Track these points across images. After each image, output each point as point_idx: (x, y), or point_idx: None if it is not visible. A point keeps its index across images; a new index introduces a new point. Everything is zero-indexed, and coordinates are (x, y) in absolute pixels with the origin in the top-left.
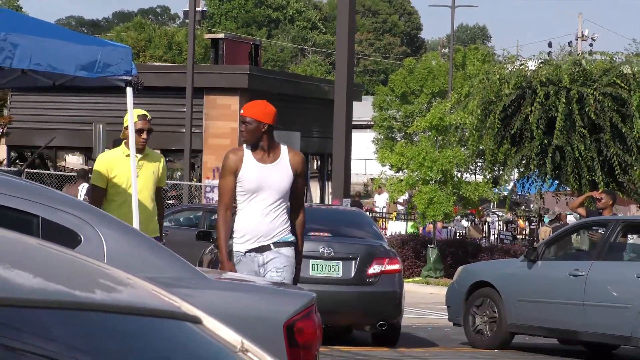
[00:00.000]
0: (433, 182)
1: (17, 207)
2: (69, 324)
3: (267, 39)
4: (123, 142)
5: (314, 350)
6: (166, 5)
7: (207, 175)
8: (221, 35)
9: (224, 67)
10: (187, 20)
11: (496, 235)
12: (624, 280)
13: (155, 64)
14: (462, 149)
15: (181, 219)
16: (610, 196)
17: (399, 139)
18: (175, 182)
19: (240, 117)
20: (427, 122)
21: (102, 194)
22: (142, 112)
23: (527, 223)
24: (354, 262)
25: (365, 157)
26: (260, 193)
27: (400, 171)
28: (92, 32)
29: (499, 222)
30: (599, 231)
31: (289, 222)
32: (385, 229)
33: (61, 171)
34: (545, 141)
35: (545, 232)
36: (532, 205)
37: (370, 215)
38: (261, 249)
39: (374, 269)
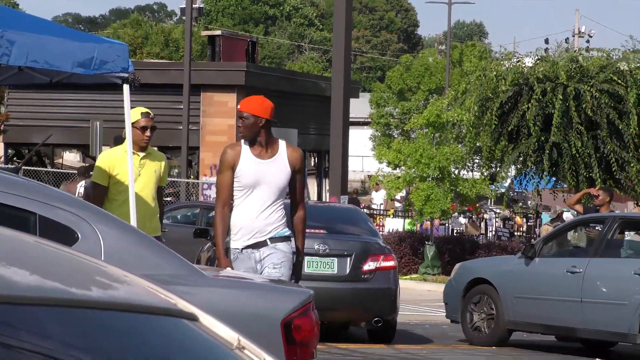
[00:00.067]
0: (430, 179)
1: (14, 205)
2: (65, 322)
3: (264, 36)
4: (125, 140)
5: (311, 348)
6: (163, 2)
7: (204, 172)
8: (218, 32)
9: (221, 64)
10: (184, 17)
11: (493, 232)
12: (621, 277)
13: (152, 61)
14: (460, 145)
15: (178, 217)
16: (608, 193)
17: (396, 135)
18: (173, 179)
19: (238, 113)
20: (424, 119)
21: (104, 192)
22: (144, 109)
23: (524, 220)
24: (349, 258)
25: (362, 154)
26: (258, 189)
27: (398, 168)
28: (89, 29)
29: (497, 219)
30: (596, 228)
31: (285, 218)
32: (383, 226)
33: (58, 168)
34: (543, 138)
35: (546, 230)
36: (529, 202)
37: (367, 212)
38: (257, 245)
39: (369, 265)
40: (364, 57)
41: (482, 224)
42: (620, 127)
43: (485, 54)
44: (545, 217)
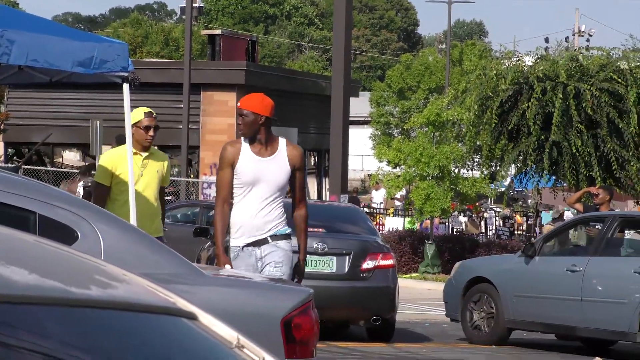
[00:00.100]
0: (430, 178)
1: (14, 204)
2: (64, 321)
3: (264, 35)
4: None
5: (311, 346)
6: (163, 2)
7: (204, 171)
8: (218, 32)
9: (221, 64)
10: (184, 17)
11: (493, 231)
12: (621, 276)
13: (152, 60)
14: (459, 144)
15: (178, 216)
16: (608, 192)
17: (396, 134)
18: (173, 178)
19: (238, 110)
20: (424, 118)
21: (106, 192)
22: (147, 109)
23: (524, 219)
24: (347, 257)
25: (362, 153)
26: (257, 186)
27: (398, 167)
28: (89, 29)
29: (497, 218)
30: (596, 227)
31: (284, 216)
32: (383, 224)
33: (58, 168)
34: (543, 137)
35: (548, 230)
36: (529, 201)
37: (367, 211)
38: (258, 243)
39: (368, 264)
40: (364, 56)
41: (482, 223)
42: (620, 126)
43: (485, 53)
44: (546, 215)
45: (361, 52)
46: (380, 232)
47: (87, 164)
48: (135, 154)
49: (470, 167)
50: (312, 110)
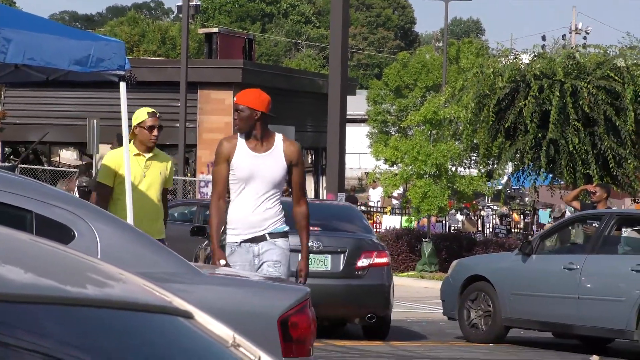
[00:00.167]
0: (427, 176)
1: (11, 203)
2: (60, 320)
3: (260, 33)
4: (131, 141)
5: (308, 345)
6: (160, 0)
7: (201, 170)
8: (215, 30)
9: (218, 62)
10: (180, 15)
11: (491, 229)
12: (618, 274)
13: (149, 58)
14: (457, 142)
15: (175, 214)
16: (605, 189)
17: (393, 133)
18: None
19: (234, 105)
20: (421, 116)
21: (109, 192)
22: (150, 109)
23: (521, 217)
24: (342, 255)
25: (359, 151)
26: (252, 182)
27: (395, 165)
28: (85, 27)
29: (494, 216)
30: (594, 224)
31: (282, 213)
32: (380, 223)
33: (55, 166)
34: (540, 135)
35: None
36: (526, 199)
37: (364, 209)
38: (256, 240)
39: (363, 262)
40: (360, 54)
41: (479, 221)
42: (617, 124)
43: (482, 51)
44: (543, 213)
45: (358, 50)
46: (378, 230)
47: (84, 162)
48: (138, 154)
49: (468, 165)
50: (309, 108)
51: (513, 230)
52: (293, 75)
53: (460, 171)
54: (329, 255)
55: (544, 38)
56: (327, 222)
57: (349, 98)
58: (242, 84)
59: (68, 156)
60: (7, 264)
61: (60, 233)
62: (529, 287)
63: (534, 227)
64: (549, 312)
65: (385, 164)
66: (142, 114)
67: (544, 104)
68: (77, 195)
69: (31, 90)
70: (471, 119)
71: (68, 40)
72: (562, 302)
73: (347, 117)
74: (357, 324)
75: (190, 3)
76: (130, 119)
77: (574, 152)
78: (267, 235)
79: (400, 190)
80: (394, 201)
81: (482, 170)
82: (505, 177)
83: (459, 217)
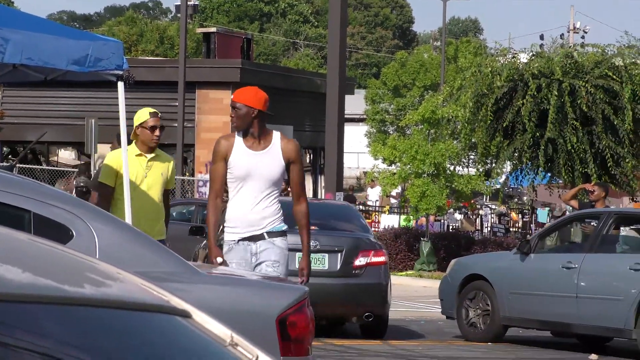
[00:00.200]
0: (426, 175)
1: (9, 203)
2: (58, 319)
3: (259, 33)
4: (133, 142)
5: (306, 344)
6: (158, 0)
7: (199, 169)
8: (213, 29)
9: (216, 61)
10: (179, 15)
11: (489, 228)
12: (616, 273)
13: (147, 58)
14: (455, 142)
15: (174, 214)
16: (603, 188)
17: (391, 132)
18: None
19: (231, 103)
20: (419, 115)
21: (110, 192)
22: (151, 109)
23: (520, 216)
24: (339, 254)
25: (357, 151)
26: (250, 180)
27: (393, 164)
28: (84, 27)
29: (492, 215)
30: (592, 223)
31: (281, 212)
32: (378, 222)
33: (54, 166)
34: (538, 134)
35: None
36: (524, 198)
37: (363, 209)
38: (254, 238)
39: (360, 261)
40: (359, 53)
41: (478, 220)
42: (615, 123)
43: (480, 50)
44: (541, 212)
45: (356, 49)
46: (376, 229)
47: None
48: (139, 155)
49: (466, 164)
50: (307, 108)
51: (511, 229)
52: (291, 75)
53: (459, 170)
54: (326, 255)
55: (542, 37)
56: (324, 222)
57: (347, 97)
58: (240, 83)
59: (66, 156)
60: (5, 264)
61: (59, 233)
62: (528, 286)
63: (532, 226)
64: (548, 311)
65: (383, 163)
66: (143, 114)
67: (542, 103)
68: (74, 195)
69: (29, 90)
70: (469, 118)
71: (66, 40)
72: (560, 301)
73: (346, 116)
74: (354, 323)
75: (188, 3)
76: (128, 119)
77: (572, 151)
78: (265, 234)
79: (399, 189)
80: (393, 200)
81: (481, 170)
82: (504, 176)
83: (458, 216)
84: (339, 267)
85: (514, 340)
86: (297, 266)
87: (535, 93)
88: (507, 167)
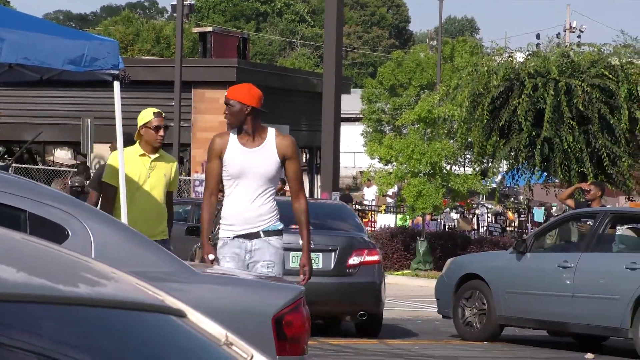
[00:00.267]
0: (422, 174)
1: (5, 202)
2: (54, 319)
3: (255, 32)
4: (137, 142)
5: (302, 343)
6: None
7: (195, 169)
8: (209, 29)
9: (212, 61)
10: (175, 14)
11: (485, 228)
12: (612, 272)
13: (143, 57)
14: (451, 141)
15: None
16: (599, 187)
17: (387, 131)
18: None
19: (225, 100)
20: (415, 114)
21: (114, 192)
22: (155, 109)
23: (516, 215)
24: (333, 253)
25: (354, 150)
26: (245, 178)
27: (389, 164)
28: (80, 27)
29: (488, 214)
30: (588, 223)
31: (276, 210)
32: (375, 222)
33: (50, 166)
34: (534, 133)
35: None
36: (521, 197)
37: (359, 208)
38: (250, 236)
39: (354, 260)
40: (355, 53)
41: (474, 219)
42: (611, 122)
43: (476, 50)
44: (538, 212)
45: (352, 49)
46: (373, 229)
47: (79, 162)
48: (143, 155)
49: (462, 163)
50: (303, 107)
51: (507, 228)
52: (287, 74)
53: (455, 170)
54: (320, 254)
55: (538, 36)
56: (318, 221)
57: (344, 97)
58: (236, 83)
59: (62, 155)
60: (0, 264)
61: (54, 232)
62: (524, 285)
63: (529, 225)
64: (544, 310)
65: (379, 162)
66: (147, 115)
67: (538, 102)
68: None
69: (25, 89)
70: (465, 117)
71: (62, 39)
72: (556, 300)
73: (342, 115)
74: (349, 322)
75: (184, 2)
76: (124, 119)
77: (569, 150)
78: (261, 233)
79: (395, 188)
80: (389, 200)
81: (477, 169)
82: (500, 176)
83: (454, 215)
84: (332, 266)
85: (510, 339)
86: (291, 265)
87: (532, 92)
88: (504, 166)
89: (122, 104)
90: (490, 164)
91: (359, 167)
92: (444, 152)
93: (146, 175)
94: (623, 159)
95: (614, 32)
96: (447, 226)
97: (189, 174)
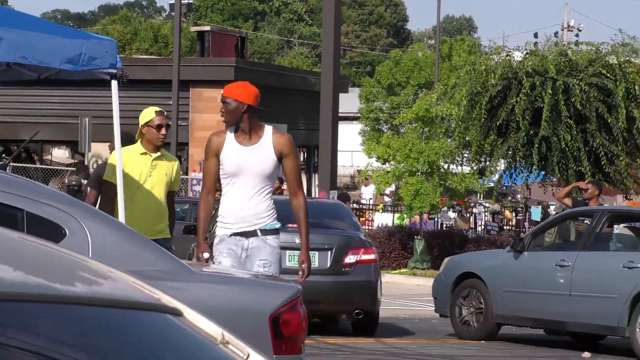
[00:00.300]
0: (419, 173)
1: (2, 201)
2: (51, 317)
3: (253, 32)
4: (139, 141)
5: (299, 342)
6: None
7: (193, 168)
8: (207, 28)
9: (210, 60)
10: (173, 13)
11: (483, 226)
12: (610, 271)
13: (141, 56)
14: (449, 140)
15: None
16: (597, 186)
17: (385, 130)
18: None
19: (221, 98)
20: (413, 113)
21: (115, 191)
22: (157, 108)
23: (513, 214)
24: (329, 252)
25: (351, 149)
26: (241, 176)
27: (387, 163)
28: (78, 26)
29: (486, 213)
30: (585, 221)
31: (274, 208)
32: (372, 220)
33: (47, 165)
34: (532, 132)
35: None
36: (518, 196)
37: (356, 207)
38: (247, 234)
39: (350, 258)
40: (353, 52)
41: (471, 218)
42: (609, 121)
43: (474, 49)
44: (535, 210)
45: (350, 48)
46: (370, 228)
47: (77, 161)
48: (144, 153)
49: (460, 162)
50: (301, 106)
51: (505, 227)
52: (285, 73)
53: (453, 168)
54: (317, 252)
55: (536, 35)
56: (315, 219)
57: (341, 96)
58: (234, 82)
59: (60, 154)
60: None
61: (51, 231)
62: (521, 284)
63: (526, 224)
64: (541, 309)
65: (377, 161)
66: (149, 113)
67: (536, 101)
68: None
69: (23, 88)
70: (463, 116)
71: (60, 38)
72: (554, 299)
73: (340, 114)
74: (345, 320)
75: (182, 1)
76: (121, 118)
77: (566, 149)
78: (258, 231)
79: (393, 187)
80: (386, 199)
81: (474, 168)
82: (497, 175)
83: (451, 214)
84: (329, 264)
85: (507, 338)
86: (287, 264)
87: (529, 91)
88: (501, 165)
89: (119, 103)
90: (487, 163)
91: (356, 166)
92: (441, 151)
93: (147, 174)
94: (620, 158)
95: (612, 31)
96: (444, 225)
97: (186, 173)
